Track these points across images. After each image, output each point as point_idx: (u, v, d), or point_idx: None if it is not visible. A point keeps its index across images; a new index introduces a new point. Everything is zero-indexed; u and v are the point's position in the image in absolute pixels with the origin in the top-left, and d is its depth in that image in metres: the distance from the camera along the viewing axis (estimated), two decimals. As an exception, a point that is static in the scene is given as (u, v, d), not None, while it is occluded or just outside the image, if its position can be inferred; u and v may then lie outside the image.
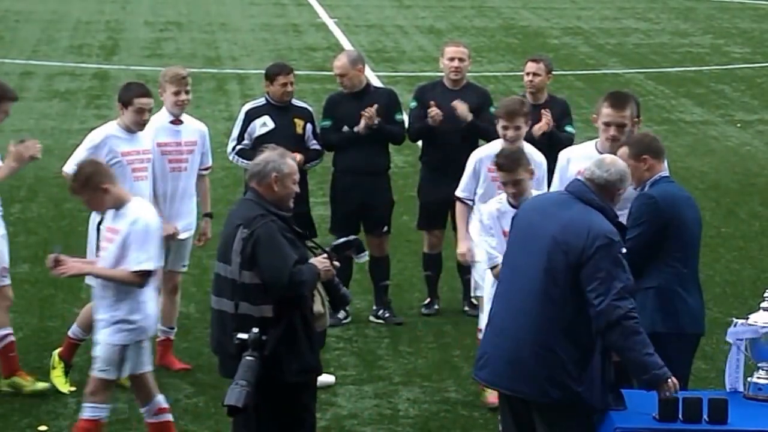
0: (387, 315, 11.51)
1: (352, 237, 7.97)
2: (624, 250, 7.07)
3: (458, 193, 10.12)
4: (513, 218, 7.43)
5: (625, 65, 24.93)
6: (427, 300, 11.81)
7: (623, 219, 7.71)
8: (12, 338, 9.75)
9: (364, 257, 8.03)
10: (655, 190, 8.02)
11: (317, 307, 7.57)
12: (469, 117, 11.43)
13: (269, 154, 7.60)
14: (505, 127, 9.74)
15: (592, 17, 31.22)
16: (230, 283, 7.45)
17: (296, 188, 7.61)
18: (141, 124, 9.81)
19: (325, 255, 7.59)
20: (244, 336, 7.32)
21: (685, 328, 7.92)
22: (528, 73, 11.55)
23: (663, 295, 7.83)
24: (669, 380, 6.96)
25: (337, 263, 7.61)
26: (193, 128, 10.38)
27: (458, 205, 10.18)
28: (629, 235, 7.65)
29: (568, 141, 11.55)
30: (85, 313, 9.77)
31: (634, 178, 7.88)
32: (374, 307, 11.58)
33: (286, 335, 7.38)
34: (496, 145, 9.86)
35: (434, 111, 11.40)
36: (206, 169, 10.47)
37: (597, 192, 7.15)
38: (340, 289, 7.76)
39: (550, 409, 7.05)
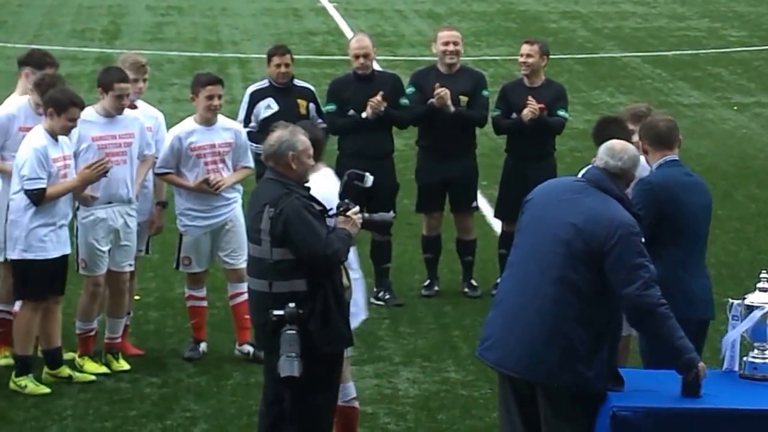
0: (387, 297, 11.63)
1: (346, 174, 7.88)
2: (643, 240, 7.14)
3: None
4: (525, 201, 7.41)
5: (623, 49, 25.01)
6: (427, 281, 11.93)
7: None
8: None
9: (369, 179, 7.96)
10: (655, 175, 8.05)
11: (344, 279, 7.72)
12: (451, 109, 11.50)
13: (281, 133, 7.73)
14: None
15: (589, 1, 31.26)
16: (262, 263, 7.61)
17: (312, 162, 7.74)
18: (120, 109, 9.88)
19: (340, 212, 7.64)
20: (280, 312, 7.49)
21: (687, 314, 7.89)
22: (522, 55, 11.68)
23: (663, 281, 7.88)
24: (700, 364, 7.11)
25: (356, 209, 7.65)
26: (135, 117, 10.11)
27: None
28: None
29: (559, 125, 11.69)
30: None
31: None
32: (375, 289, 11.69)
33: (319, 308, 7.56)
34: None
35: (442, 90, 11.48)
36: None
37: (613, 181, 7.21)
38: (376, 220, 7.84)
39: (558, 393, 7.12)
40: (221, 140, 10.17)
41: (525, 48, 11.68)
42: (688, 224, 8.06)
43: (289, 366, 7.45)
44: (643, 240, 7.12)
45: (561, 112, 11.60)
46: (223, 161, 10.17)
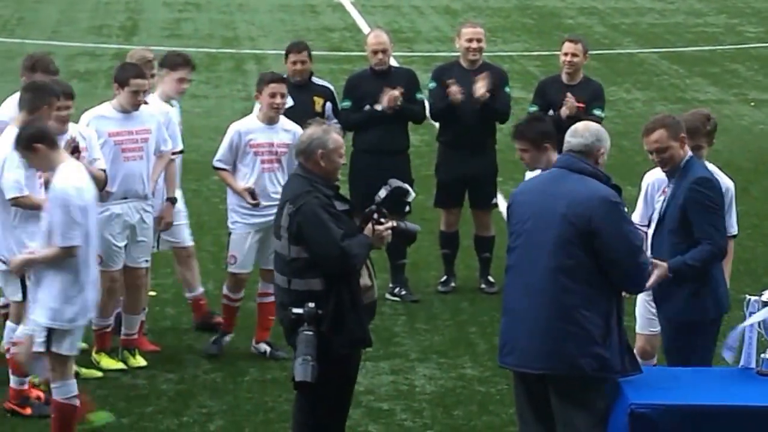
0: (403, 293, 11.63)
1: (392, 185, 7.86)
2: (626, 209, 7.26)
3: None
4: (509, 206, 7.52)
5: (640, 45, 24.95)
6: (444, 277, 11.92)
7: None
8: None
9: (412, 194, 8.04)
10: (700, 172, 7.96)
11: (365, 280, 7.70)
12: (486, 96, 11.52)
13: (314, 130, 7.72)
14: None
15: (607, -3, 31.19)
16: (282, 259, 7.64)
17: (342, 161, 7.74)
18: (136, 105, 9.88)
19: (374, 219, 7.62)
20: (299, 310, 7.48)
21: (712, 313, 7.99)
22: (566, 54, 11.58)
23: (698, 280, 7.90)
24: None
25: (390, 224, 7.64)
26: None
27: None
28: (711, 227, 7.75)
29: None
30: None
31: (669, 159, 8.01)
32: (390, 285, 11.69)
33: (334, 308, 7.53)
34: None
35: (454, 88, 11.49)
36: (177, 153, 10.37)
37: (582, 159, 7.29)
38: (403, 228, 7.84)
39: (572, 384, 7.15)
40: (279, 140, 10.13)
41: (569, 47, 11.57)
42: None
43: (303, 370, 7.41)
44: (626, 209, 7.24)
45: (597, 111, 11.46)
46: (279, 161, 10.13)
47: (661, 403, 7.03)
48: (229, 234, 10.28)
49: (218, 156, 10.19)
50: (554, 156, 8.03)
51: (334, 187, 7.71)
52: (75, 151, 9.19)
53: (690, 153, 8.08)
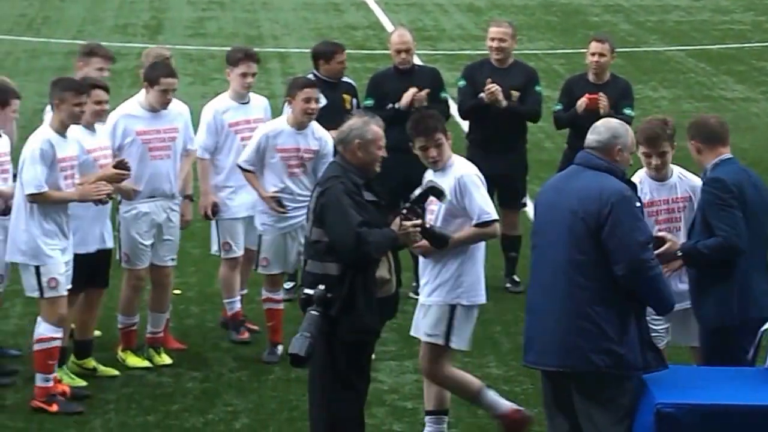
0: (428, 291, 11.60)
1: (428, 185, 7.94)
2: (639, 204, 7.24)
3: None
4: (535, 205, 7.56)
5: (666, 42, 24.87)
6: (468, 276, 11.88)
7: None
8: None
9: (447, 196, 8.07)
10: (721, 172, 7.97)
11: (382, 272, 7.74)
12: (503, 104, 11.48)
13: (354, 121, 7.88)
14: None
15: (632, -6, 31.09)
16: (306, 240, 7.82)
17: (382, 153, 7.83)
18: (165, 104, 9.89)
19: (402, 214, 7.67)
20: (309, 291, 7.57)
21: (741, 315, 7.92)
22: (593, 54, 11.51)
23: (738, 283, 7.86)
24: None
25: (416, 222, 7.68)
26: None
27: None
28: (722, 224, 7.73)
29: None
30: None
31: (694, 161, 8.07)
32: (414, 284, 11.67)
33: (345, 294, 7.59)
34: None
35: (493, 86, 11.44)
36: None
37: (599, 156, 7.31)
38: (435, 232, 7.89)
39: (594, 379, 7.15)
40: (307, 146, 10.10)
41: (596, 46, 11.49)
42: (750, 224, 7.94)
43: (299, 344, 7.47)
44: (638, 204, 7.24)
45: (627, 111, 11.36)
46: (304, 167, 10.08)
47: (687, 403, 7.01)
48: (260, 237, 10.25)
49: (245, 157, 10.18)
50: (712, 152, 7.99)
51: (369, 177, 7.76)
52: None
53: (720, 157, 8.04)
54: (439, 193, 7.93)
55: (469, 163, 8.73)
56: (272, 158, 10.07)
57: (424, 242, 7.99)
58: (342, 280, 7.57)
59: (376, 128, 7.79)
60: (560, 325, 7.16)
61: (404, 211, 7.73)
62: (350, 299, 7.59)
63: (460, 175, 8.43)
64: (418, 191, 7.89)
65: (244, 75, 10.37)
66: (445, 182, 8.29)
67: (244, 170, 10.20)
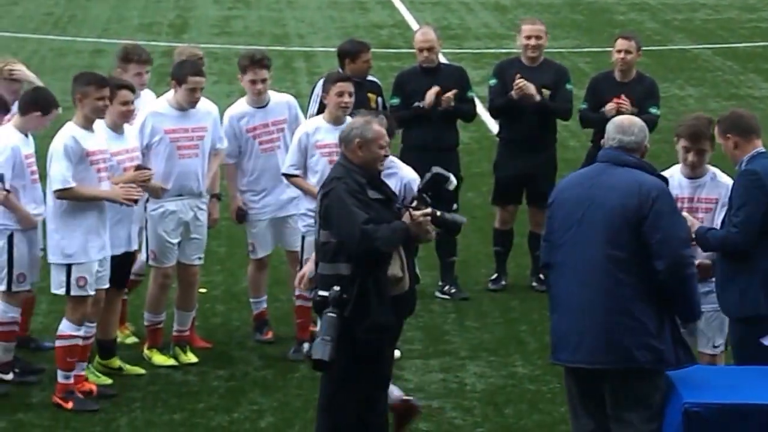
0: (453, 291, 11.59)
1: (433, 171, 7.87)
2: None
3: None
4: (551, 202, 7.48)
5: (693, 41, 24.77)
6: (495, 275, 11.87)
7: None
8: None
9: (453, 182, 8.00)
10: (757, 165, 7.94)
11: (395, 270, 7.71)
12: (536, 98, 11.46)
13: (356, 120, 7.93)
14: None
15: (658, -8, 30.98)
16: (315, 242, 7.84)
17: (383, 152, 7.80)
18: (193, 102, 9.89)
19: (410, 205, 7.65)
20: (324, 293, 7.57)
21: (764, 307, 7.86)
22: (619, 51, 11.44)
23: (761, 273, 7.82)
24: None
25: (426, 211, 7.63)
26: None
27: None
28: (737, 218, 7.75)
29: (651, 124, 11.40)
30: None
31: (728, 156, 8.01)
32: (440, 283, 11.66)
33: (358, 294, 7.58)
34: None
35: (521, 81, 11.41)
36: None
37: (629, 154, 7.33)
38: (447, 218, 7.83)
39: (632, 376, 7.11)
40: None
41: (622, 44, 11.44)
42: None
43: (321, 349, 7.49)
44: (673, 199, 7.32)
45: (653, 110, 11.30)
46: None
47: (715, 402, 6.99)
48: (303, 238, 10.17)
49: (290, 162, 10.03)
50: (749, 145, 7.98)
51: (372, 176, 7.74)
52: None
53: (757, 150, 8.01)
54: (445, 179, 7.88)
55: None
56: (313, 155, 10.03)
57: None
58: (354, 280, 7.57)
59: (377, 127, 7.78)
60: (600, 323, 7.10)
61: (413, 203, 7.68)
62: (364, 298, 7.58)
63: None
64: (421, 182, 7.88)
65: (253, 82, 10.34)
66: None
67: (289, 176, 10.07)
